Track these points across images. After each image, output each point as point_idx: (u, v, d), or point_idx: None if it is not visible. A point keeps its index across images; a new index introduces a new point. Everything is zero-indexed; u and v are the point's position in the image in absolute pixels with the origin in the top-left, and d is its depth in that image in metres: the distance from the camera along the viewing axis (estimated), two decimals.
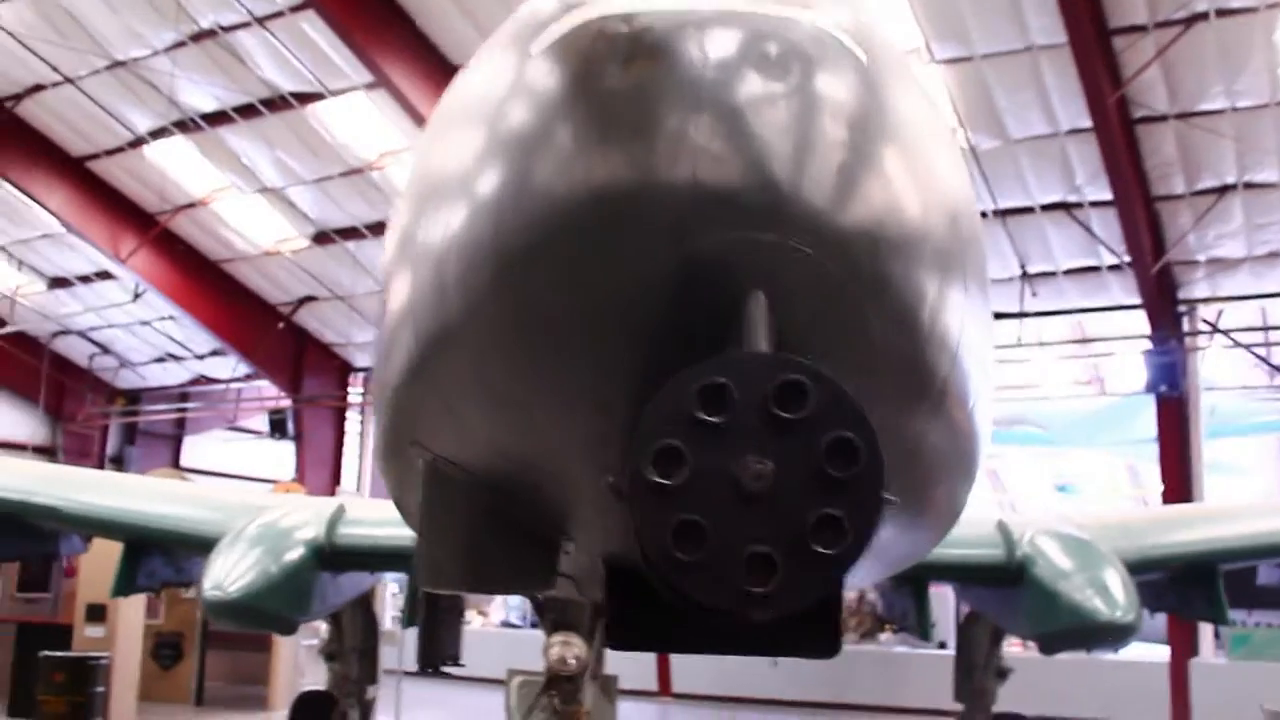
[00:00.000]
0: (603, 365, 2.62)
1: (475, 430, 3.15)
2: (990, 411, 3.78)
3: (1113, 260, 20.26)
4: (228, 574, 8.61)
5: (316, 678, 14.04)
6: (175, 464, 33.49)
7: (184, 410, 33.42)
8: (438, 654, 9.44)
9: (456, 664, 10.79)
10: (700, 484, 2.41)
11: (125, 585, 10.51)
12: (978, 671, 10.88)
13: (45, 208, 25.35)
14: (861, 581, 6.71)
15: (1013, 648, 13.09)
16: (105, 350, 33.08)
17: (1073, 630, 8.17)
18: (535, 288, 2.55)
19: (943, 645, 18.52)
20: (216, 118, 22.55)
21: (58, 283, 30.11)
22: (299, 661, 19.33)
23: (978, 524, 9.02)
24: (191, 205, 25.60)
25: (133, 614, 16.81)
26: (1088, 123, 17.27)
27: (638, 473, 2.42)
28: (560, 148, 2.39)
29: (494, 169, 2.52)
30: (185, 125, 22.75)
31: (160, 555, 10.82)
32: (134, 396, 34.13)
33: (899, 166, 2.56)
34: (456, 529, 3.52)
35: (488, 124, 2.57)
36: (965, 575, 9.42)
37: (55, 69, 22.23)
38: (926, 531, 4.57)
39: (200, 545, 9.71)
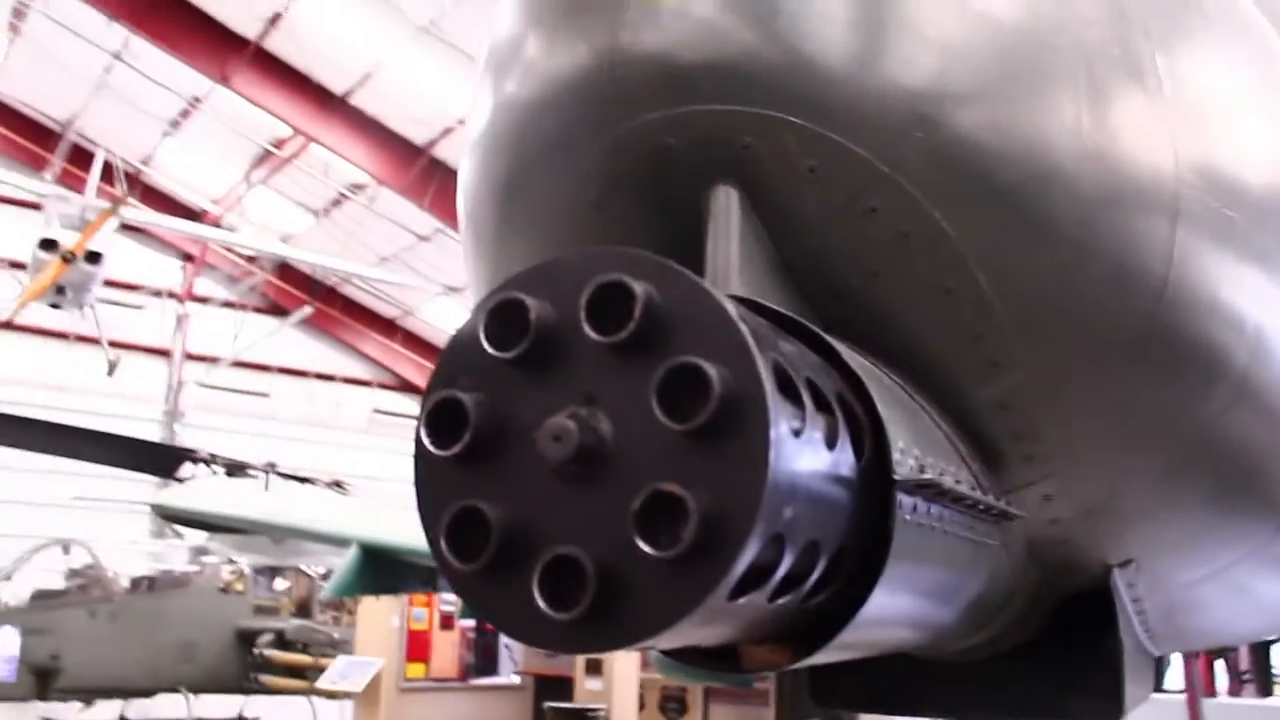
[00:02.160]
0: None
1: None
2: None
3: None
4: None
5: None
6: None
7: None
8: (804, 710, 8.72)
9: None
10: (483, 453, 1.63)
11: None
12: None
13: None
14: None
15: None
16: None
17: None
18: (507, 173, 2.38)
19: None
20: None
21: None
22: None
23: None
24: None
25: (627, 667, 17.21)
26: None
27: (416, 440, 1.67)
28: (531, 25, 2.27)
29: (492, 56, 2.44)
30: None
31: None
32: None
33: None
34: None
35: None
36: None
37: None
38: None
39: None
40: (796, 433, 1.63)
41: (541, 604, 1.57)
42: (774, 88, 2.01)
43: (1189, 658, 10.22)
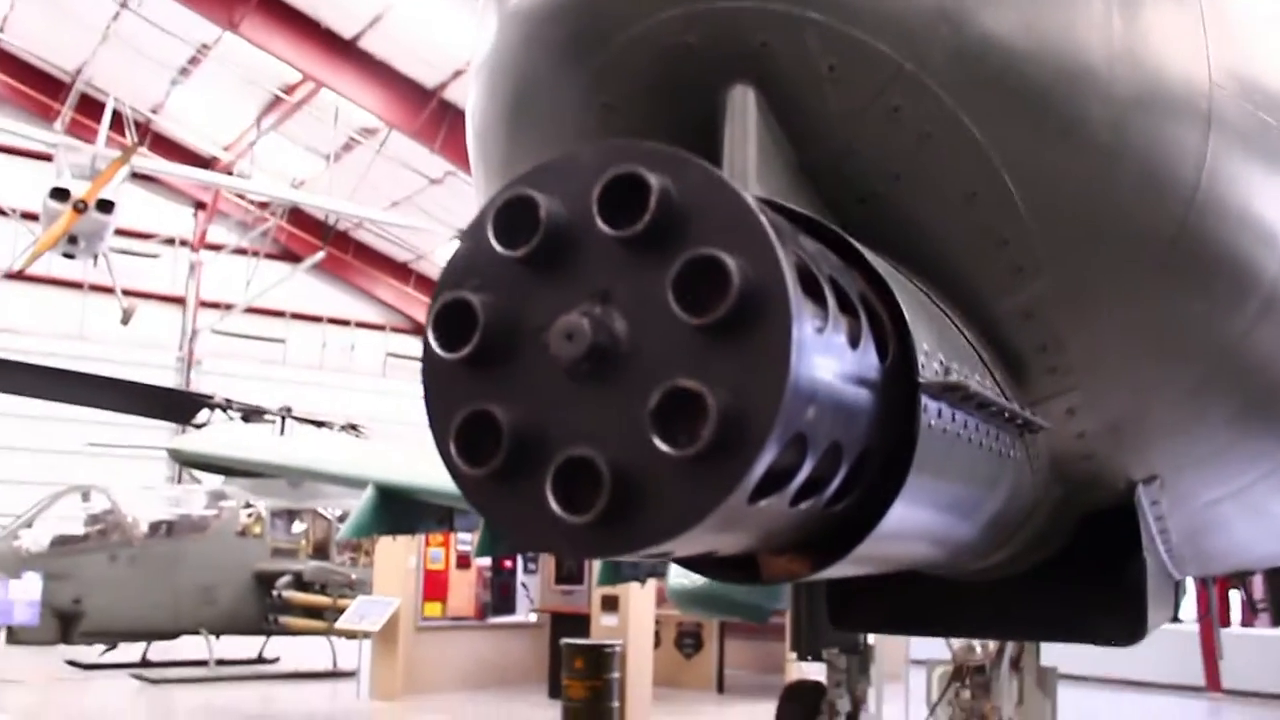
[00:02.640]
0: None
1: None
2: None
3: None
4: None
5: None
6: None
7: None
8: (819, 640, 8.73)
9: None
10: (492, 354, 1.58)
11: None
12: None
13: None
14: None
15: None
16: None
17: None
18: (516, 88, 2.31)
19: None
20: None
21: None
22: None
23: None
24: None
25: (643, 604, 17.31)
26: None
27: (424, 344, 1.62)
28: None
29: None
30: None
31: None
32: None
33: None
34: None
35: None
36: None
37: None
38: None
39: None
40: (819, 330, 1.58)
41: (555, 507, 1.53)
42: None
43: (1204, 585, 10.21)
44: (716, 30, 1.97)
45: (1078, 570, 3.11)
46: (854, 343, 1.69)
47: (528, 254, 1.61)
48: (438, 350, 1.65)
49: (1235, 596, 16.47)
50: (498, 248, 1.64)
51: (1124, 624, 3.05)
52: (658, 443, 1.49)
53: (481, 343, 1.61)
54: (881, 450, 1.81)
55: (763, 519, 1.66)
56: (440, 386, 1.67)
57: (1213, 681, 19.08)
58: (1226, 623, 17.75)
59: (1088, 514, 3.03)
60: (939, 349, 1.95)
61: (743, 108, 1.98)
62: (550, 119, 2.24)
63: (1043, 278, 2.24)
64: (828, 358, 1.61)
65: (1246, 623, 19.68)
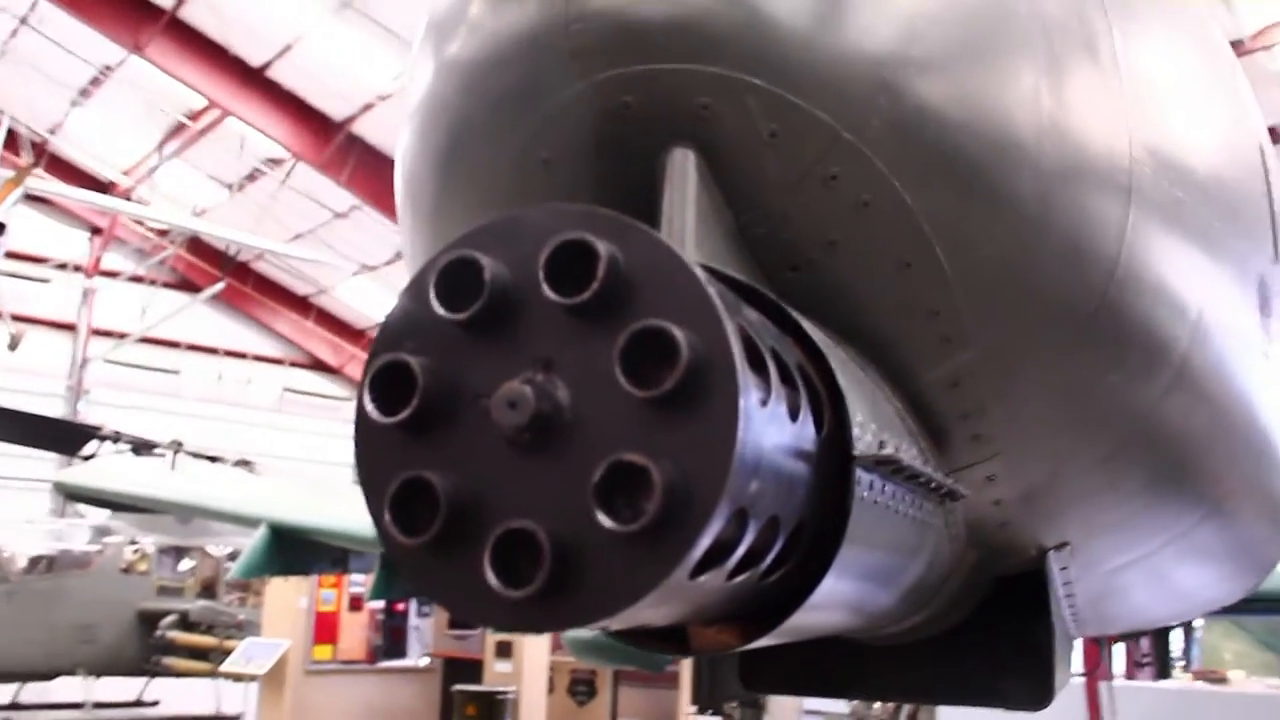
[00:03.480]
0: None
1: None
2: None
3: None
4: None
5: None
6: None
7: None
8: (720, 692, 8.70)
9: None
10: (431, 420, 1.53)
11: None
12: None
13: None
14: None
15: None
16: None
17: None
18: (450, 137, 2.28)
19: None
20: None
21: None
22: None
23: None
24: None
25: (538, 651, 17.16)
26: None
27: (359, 407, 1.57)
28: None
29: (434, 17, 2.35)
30: None
31: None
32: None
33: None
34: None
35: None
36: None
37: None
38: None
39: None
40: (763, 403, 1.57)
41: (493, 580, 1.49)
42: (735, 48, 1.94)
43: (1093, 641, 10.41)
44: (657, 91, 1.96)
45: (986, 635, 3.14)
46: (794, 415, 1.68)
47: (470, 318, 1.58)
48: (373, 413, 1.60)
49: (1118, 650, 16.85)
50: (439, 310, 1.60)
51: (1031, 688, 3.08)
52: (601, 517, 1.46)
53: (420, 407, 1.57)
54: (815, 522, 1.81)
55: (700, 592, 1.64)
56: (375, 451, 1.62)
57: None
58: (1110, 676, 18.16)
59: (1002, 579, 3.06)
60: (872, 420, 1.95)
61: (682, 170, 1.97)
62: (485, 171, 2.21)
63: (969, 348, 2.26)
64: (771, 431, 1.60)
65: (1130, 676, 20.14)
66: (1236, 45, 17.11)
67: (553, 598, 1.49)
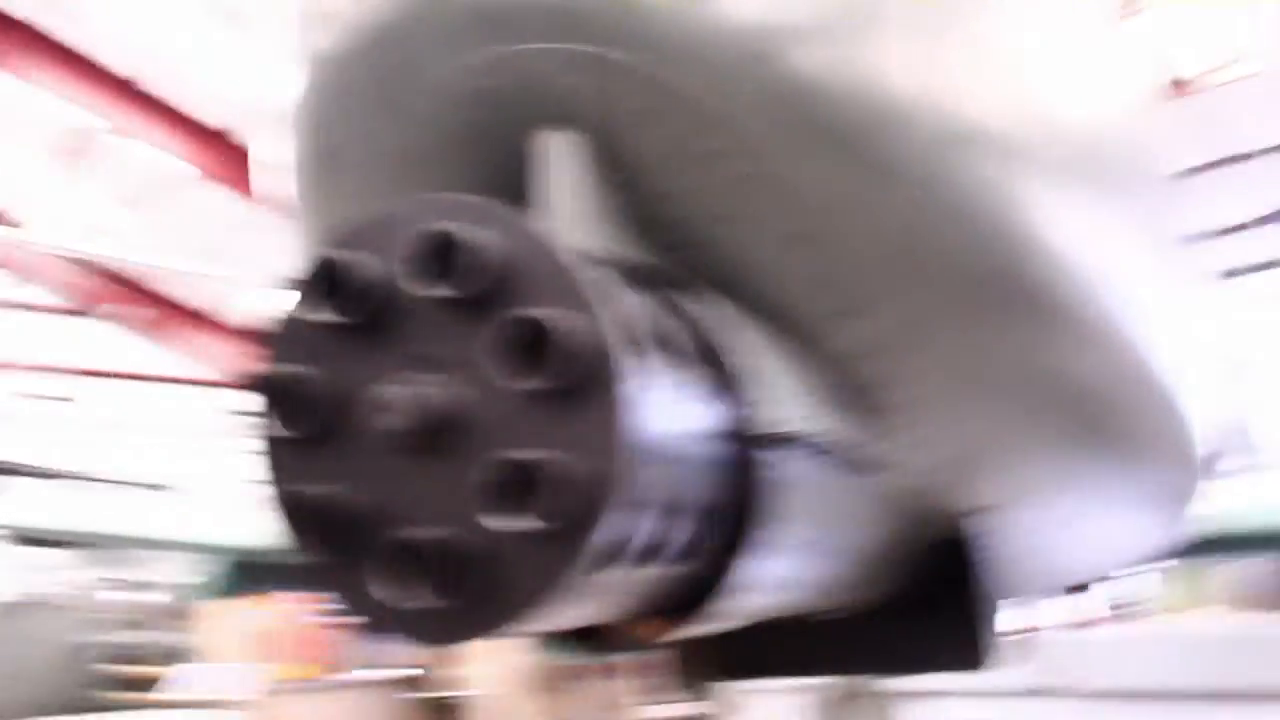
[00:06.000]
0: None
1: None
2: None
3: None
4: None
5: None
6: None
7: None
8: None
9: None
10: (321, 431, 1.47)
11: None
12: None
13: None
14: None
15: None
16: None
17: None
18: (327, 135, 2.22)
19: None
20: None
21: None
22: None
23: None
24: None
25: (508, 652, 17.03)
26: None
27: (256, 422, 1.51)
28: None
29: (303, 19, 2.25)
30: None
31: None
32: None
33: None
34: None
35: None
36: None
37: None
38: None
39: None
40: (651, 387, 1.51)
41: (384, 592, 1.42)
42: (601, 24, 1.88)
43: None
44: (524, 74, 1.90)
45: (916, 604, 3.15)
46: (690, 397, 1.63)
47: (343, 321, 1.50)
48: (263, 429, 1.54)
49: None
50: (313, 315, 1.52)
51: (963, 653, 3.11)
52: (487, 519, 1.39)
53: (306, 419, 1.50)
54: (729, 505, 1.76)
55: (609, 588, 1.58)
56: (270, 468, 1.58)
57: None
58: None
59: (926, 548, 3.07)
60: (776, 395, 1.90)
61: (557, 153, 1.91)
62: (362, 169, 2.14)
63: (870, 317, 2.23)
64: (663, 415, 1.54)
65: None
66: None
67: (450, 607, 1.42)
